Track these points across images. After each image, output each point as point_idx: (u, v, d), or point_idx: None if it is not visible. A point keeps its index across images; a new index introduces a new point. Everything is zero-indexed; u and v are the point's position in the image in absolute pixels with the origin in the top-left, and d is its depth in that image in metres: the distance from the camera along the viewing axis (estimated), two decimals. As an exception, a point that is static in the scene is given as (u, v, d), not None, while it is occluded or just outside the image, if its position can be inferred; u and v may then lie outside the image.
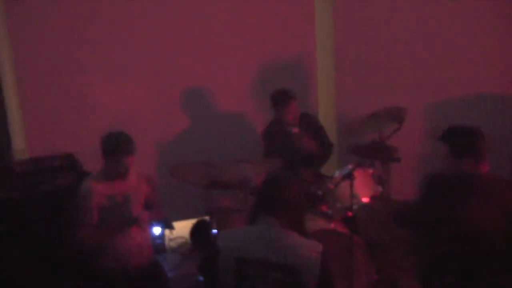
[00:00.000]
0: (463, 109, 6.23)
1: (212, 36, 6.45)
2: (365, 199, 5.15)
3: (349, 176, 4.90)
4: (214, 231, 5.29)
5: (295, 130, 5.78)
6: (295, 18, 6.57)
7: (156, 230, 6.16)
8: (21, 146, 6.04)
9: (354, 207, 5.01)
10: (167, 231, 6.31)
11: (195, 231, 6.21)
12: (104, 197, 4.54)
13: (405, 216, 4.04)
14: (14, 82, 5.97)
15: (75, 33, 6.05)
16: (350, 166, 5.11)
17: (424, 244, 3.87)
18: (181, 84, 6.44)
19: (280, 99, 5.69)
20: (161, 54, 6.34)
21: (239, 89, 6.57)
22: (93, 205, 4.50)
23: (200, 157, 6.09)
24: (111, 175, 4.58)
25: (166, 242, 6.32)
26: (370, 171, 5.31)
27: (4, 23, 5.83)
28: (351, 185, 4.89)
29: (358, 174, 5.04)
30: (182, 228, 6.35)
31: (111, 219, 4.54)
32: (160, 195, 4.87)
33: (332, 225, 5.10)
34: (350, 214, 5.04)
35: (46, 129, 6.05)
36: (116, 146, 4.50)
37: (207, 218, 5.67)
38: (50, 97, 6.06)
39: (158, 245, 6.13)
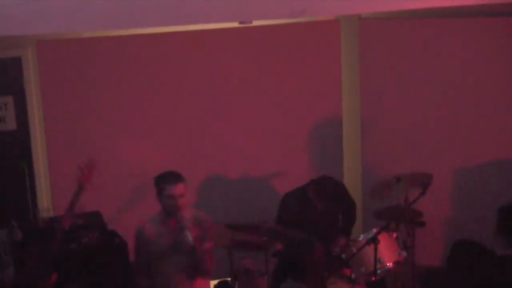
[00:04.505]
0: (489, 174, 6.19)
1: (235, 96, 6.48)
2: (389, 264, 5.10)
3: (374, 240, 4.87)
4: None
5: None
6: (321, 83, 6.62)
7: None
8: (46, 204, 6.08)
9: (379, 271, 4.96)
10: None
11: (217, 293, 6.16)
12: (156, 242, 4.54)
13: (434, 282, 3.96)
14: (44, 144, 6.08)
15: (104, 97, 6.17)
16: (374, 230, 5.07)
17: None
18: (205, 145, 6.47)
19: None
20: (190, 115, 6.38)
21: (262, 151, 6.57)
22: (146, 251, 4.49)
23: (223, 217, 6.08)
24: (166, 212, 4.59)
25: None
26: (395, 235, 5.27)
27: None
28: (376, 249, 4.86)
29: (383, 238, 5.00)
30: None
31: (167, 267, 4.52)
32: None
33: (355, 290, 5.04)
34: (373, 278, 4.99)
35: (71, 188, 6.08)
36: (167, 174, 4.65)
37: (228, 279, 5.61)
38: (76, 157, 6.11)
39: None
